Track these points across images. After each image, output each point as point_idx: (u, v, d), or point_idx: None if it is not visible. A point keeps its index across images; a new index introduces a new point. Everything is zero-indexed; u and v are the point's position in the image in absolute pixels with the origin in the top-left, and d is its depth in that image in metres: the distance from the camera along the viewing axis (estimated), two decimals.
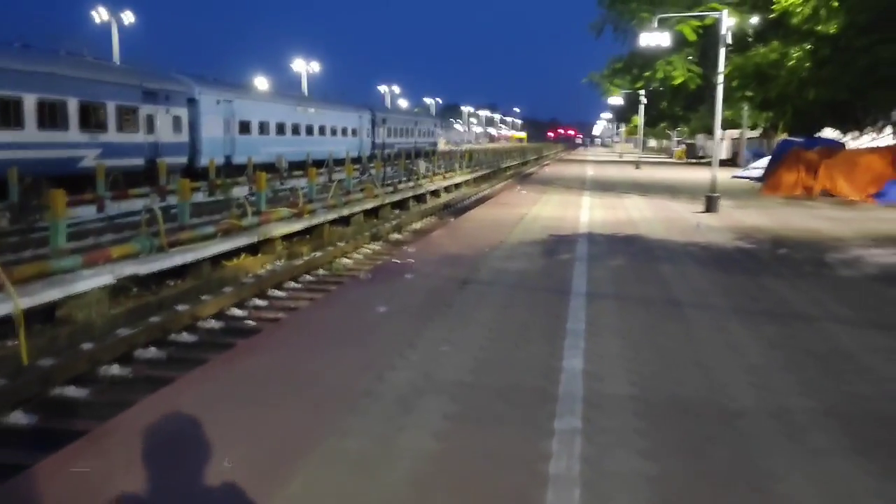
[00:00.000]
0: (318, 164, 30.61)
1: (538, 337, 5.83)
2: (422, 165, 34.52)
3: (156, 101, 23.81)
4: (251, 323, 9.59)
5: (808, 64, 12.22)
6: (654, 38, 16.43)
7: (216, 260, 12.69)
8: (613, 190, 23.10)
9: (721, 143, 54.45)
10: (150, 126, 23.51)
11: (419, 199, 27.89)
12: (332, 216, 17.27)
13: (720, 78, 15.24)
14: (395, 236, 17.82)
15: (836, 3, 10.41)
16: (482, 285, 7.97)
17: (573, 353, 5.40)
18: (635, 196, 20.62)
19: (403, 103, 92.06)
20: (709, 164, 49.83)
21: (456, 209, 26.13)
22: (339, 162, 34.14)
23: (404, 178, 29.00)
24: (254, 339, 6.13)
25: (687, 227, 13.50)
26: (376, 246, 16.19)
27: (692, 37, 19.92)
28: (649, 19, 17.74)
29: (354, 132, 43.51)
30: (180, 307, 9.99)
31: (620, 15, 21.32)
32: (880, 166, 20.88)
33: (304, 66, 55.31)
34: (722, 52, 15.16)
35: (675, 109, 52.21)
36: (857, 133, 25.12)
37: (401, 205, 24.57)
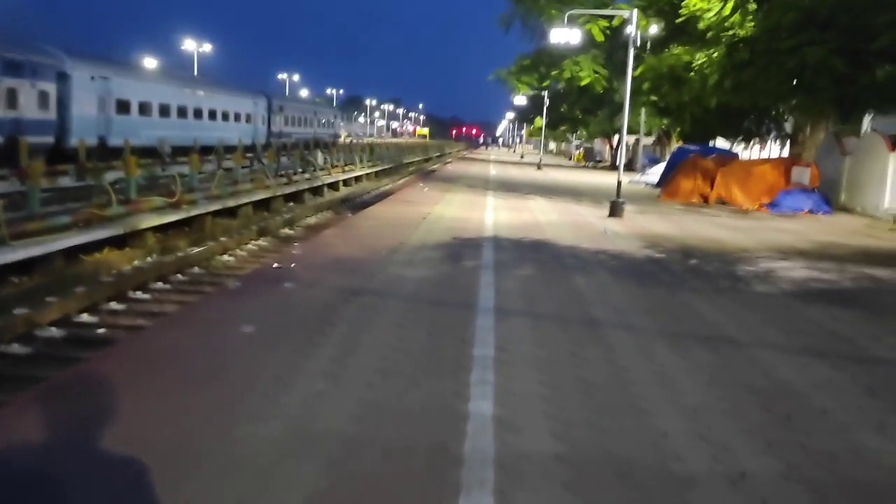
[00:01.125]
0: (208, 150, 28.57)
1: (439, 368, 4.83)
2: (319, 157, 33.06)
3: (19, 74, 21.27)
4: (102, 332, 8.16)
5: (723, 67, 11.88)
6: (563, 36, 15.85)
7: (74, 255, 11.05)
8: (517, 191, 22.53)
9: (618, 148, 55.86)
10: (12, 101, 20.97)
11: (316, 191, 26.48)
12: (214, 207, 15.72)
13: (629, 78, 14.78)
14: (287, 232, 16.48)
15: (753, 5, 9.96)
16: (375, 297, 6.91)
17: (482, 391, 4.44)
18: (539, 198, 20.08)
19: (305, 93, 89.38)
20: (606, 168, 51.03)
21: (355, 204, 25.06)
22: (231, 149, 32.14)
23: (300, 170, 27.63)
24: (68, 374, 4.79)
25: (594, 232, 12.91)
26: (264, 242, 14.82)
27: (600, 37, 19.58)
28: (558, 16, 17.17)
29: (248, 118, 41.31)
30: (18, 311, 8.41)
31: (529, 10, 20.75)
32: (773, 177, 21.28)
33: (196, 47, 52.25)
34: (631, 52, 14.71)
35: (575, 113, 52.90)
36: (748, 143, 25.67)
37: (295, 197, 23.21)
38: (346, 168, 35.46)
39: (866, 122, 28.84)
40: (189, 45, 52.65)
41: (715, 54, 12.35)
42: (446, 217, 14.10)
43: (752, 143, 26.38)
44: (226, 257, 12.83)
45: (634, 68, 15.79)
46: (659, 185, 26.71)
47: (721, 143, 32.15)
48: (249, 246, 14.19)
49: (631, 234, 12.87)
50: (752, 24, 10.10)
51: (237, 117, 39.52)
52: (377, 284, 7.55)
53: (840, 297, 8.07)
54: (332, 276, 7.82)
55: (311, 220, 19.59)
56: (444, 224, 12.90)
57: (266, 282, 7.47)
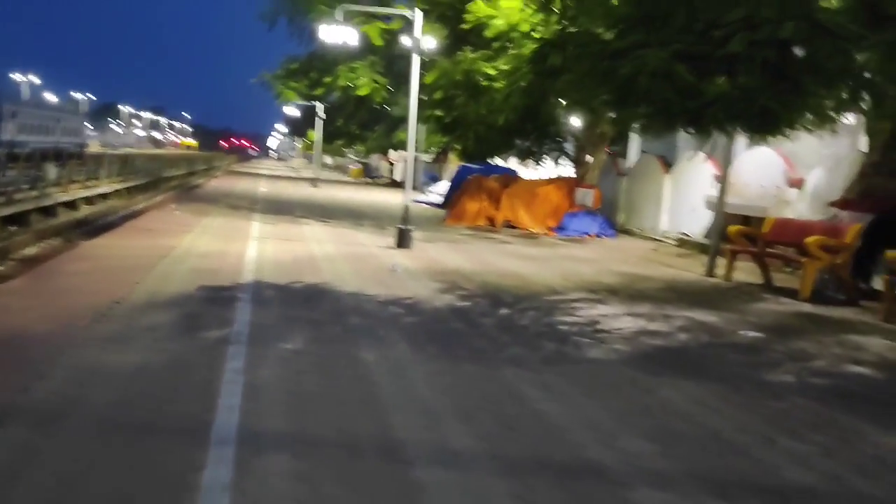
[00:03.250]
0: None
1: None
2: (52, 170, 27.89)
3: None
4: None
5: (527, 75, 10.33)
6: (335, 35, 13.61)
7: None
8: (289, 212, 19.82)
9: (395, 164, 54.90)
10: None
11: (48, 212, 22.45)
12: None
13: (414, 87, 12.88)
14: None
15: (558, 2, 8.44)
16: (33, 429, 4.07)
17: None
18: (315, 222, 17.59)
19: (52, 98, 78.49)
20: (385, 185, 49.63)
21: (94, 228, 21.10)
22: None
23: (25, 186, 23.13)
24: None
25: (381, 270, 10.74)
26: None
27: (378, 41, 17.67)
28: (329, 13, 14.91)
29: None
30: None
31: (296, 5, 18.24)
32: (557, 198, 20.73)
33: None
34: (415, 57, 12.83)
35: (351, 127, 51.06)
36: (531, 161, 25.25)
37: (20, 219, 19.14)
38: (89, 184, 30.46)
39: (634, 143, 30.01)
40: None
41: (516, 61, 10.82)
42: (196, 252, 11.15)
43: (535, 162, 26.01)
44: None
45: (423, 76, 14.04)
46: (443, 206, 25.45)
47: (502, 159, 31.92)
48: None
49: (424, 271, 10.88)
50: (560, 25, 8.57)
51: None
52: (52, 389, 4.68)
53: (686, 362, 6.59)
54: None
55: (33, 249, 15.65)
56: (190, 263, 9.99)
57: None
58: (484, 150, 24.08)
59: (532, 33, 12.54)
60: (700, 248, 16.89)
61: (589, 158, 20.40)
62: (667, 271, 12.97)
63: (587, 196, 20.26)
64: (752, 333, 7.86)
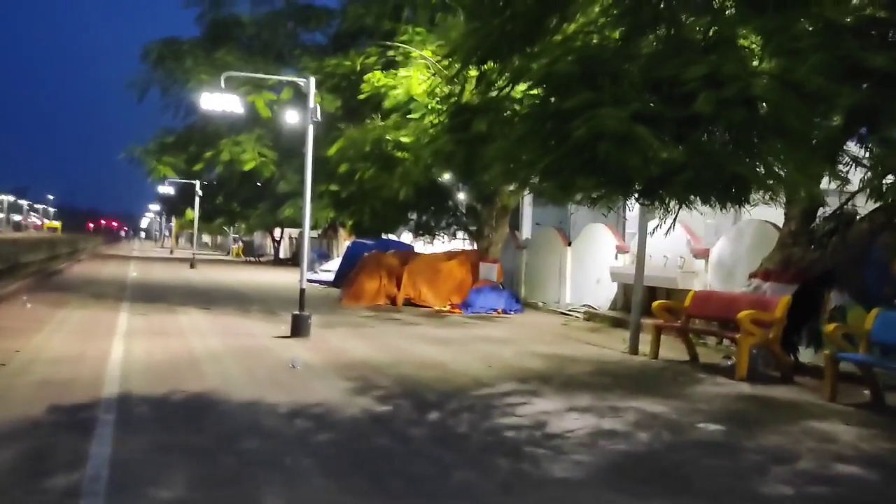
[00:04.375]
0: None
1: None
2: None
3: None
4: None
5: (446, 144, 9.35)
6: (219, 102, 12.26)
7: None
8: (164, 299, 17.75)
9: (280, 242, 52.88)
10: None
11: None
12: None
13: (308, 160, 11.67)
14: None
15: (473, 72, 7.52)
16: None
17: None
18: (194, 310, 15.68)
19: None
20: (269, 262, 47.38)
21: None
22: None
23: None
24: None
25: (278, 367, 9.19)
26: None
27: (266, 113, 16.39)
28: (209, 82, 13.57)
29: None
30: None
31: (171, 74, 16.71)
32: (461, 273, 19.81)
33: None
34: (310, 127, 11.66)
35: (231, 205, 48.83)
36: (429, 237, 24.35)
37: None
38: None
39: (527, 213, 29.85)
40: None
41: (422, 132, 9.83)
42: (47, 356, 9.17)
43: (430, 237, 25.14)
44: None
45: (327, 146, 12.89)
46: (335, 284, 23.95)
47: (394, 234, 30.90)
48: None
49: (329, 366, 9.42)
50: (478, 89, 7.67)
51: None
52: None
53: (664, 474, 5.51)
54: None
55: None
56: (37, 373, 8.07)
57: None
58: (380, 225, 23.02)
59: (434, 103, 11.74)
60: (610, 321, 16.32)
61: (489, 232, 19.68)
62: (588, 350, 12.11)
63: (491, 271, 19.45)
64: (712, 426, 6.93)
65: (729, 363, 10.50)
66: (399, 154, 12.37)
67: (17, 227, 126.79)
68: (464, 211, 22.26)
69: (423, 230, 24.26)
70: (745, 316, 9.50)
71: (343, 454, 5.63)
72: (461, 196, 20.22)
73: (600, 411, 7.41)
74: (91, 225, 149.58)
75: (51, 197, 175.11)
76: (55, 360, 8.96)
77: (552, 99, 6.11)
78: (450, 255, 21.24)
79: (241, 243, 63.79)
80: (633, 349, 11.76)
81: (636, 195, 6.35)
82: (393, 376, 8.94)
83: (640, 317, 12.08)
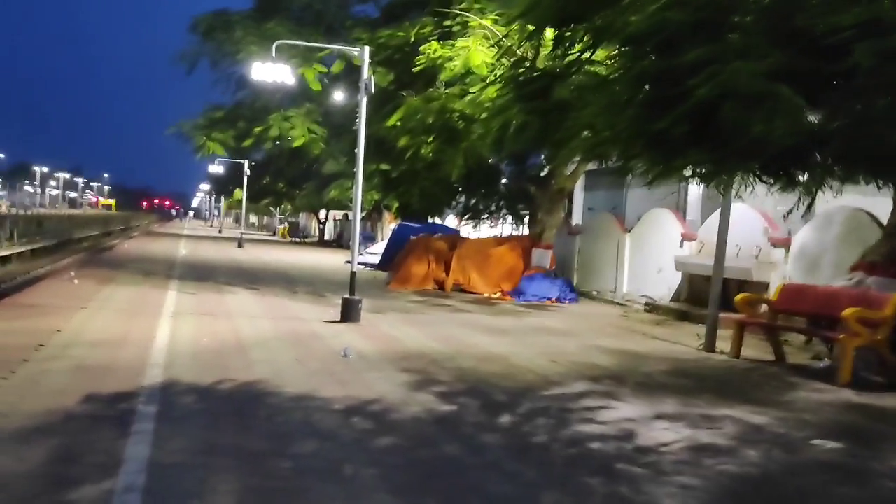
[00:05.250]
0: None
1: None
2: None
3: None
4: None
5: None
6: (270, 73, 11.59)
7: None
8: (212, 278, 17.34)
9: (325, 223, 52.60)
10: None
11: None
12: None
13: (361, 133, 10.94)
14: None
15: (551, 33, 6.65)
16: None
17: None
18: (242, 290, 15.19)
19: None
20: (314, 244, 47.13)
21: None
22: None
23: None
24: None
25: (329, 356, 8.53)
26: None
27: (316, 86, 15.70)
28: (260, 53, 12.91)
29: None
30: None
31: (221, 47, 16.11)
32: (512, 259, 18.96)
33: None
34: (363, 101, 10.91)
35: (278, 185, 48.68)
36: (476, 221, 23.55)
37: None
38: None
39: (579, 198, 28.80)
40: None
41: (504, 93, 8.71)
42: (87, 337, 8.66)
43: (477, 221, 24.33)
44: None
45: (378, 122, 12.15)
46: (381, 267, 23.32)
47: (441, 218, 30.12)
48: None
49: (383, 356, 8.73)
50: (555, 52, 6.78)
51: None
52: None
53: (783, 503, 4.67)
54: None
55: None
56: (76, 356, 7.53)
57: None
58: (428, 207, 22.28)
59: (500, 69, 10.86)
60: (674, 313, 15.32)
61: (543, 217, 18.75)
62: (658, 346, 11.20)
63: (545, 257, 18.57)
64: (829, 444, 6.01)
65: (822, 365, 9.53)
66: (464, 126, 11.50)
67: (73, 204, 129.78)
68: (514, 194, 21.38)
69: (471, 213, 23.49)
70: (851, 314, 8.48)
71: (409, 464, 4.90)
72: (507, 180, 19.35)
73: (692, 420, 6.55)
74: (145, 203, 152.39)
75: (106, 175, 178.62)
76: (96, 341, 8.43)
77: (652, 58, 5.22)
78: (500, 241, 20.42)
79: (286, 224, 63.86)
80: (710, 346, 10.81)
81: (758, 171, 5.42)
82: (452, 370, 8.20)
83: (717, 311, 11.11)
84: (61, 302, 11.54)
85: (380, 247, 27.67)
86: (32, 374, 6.56)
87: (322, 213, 51.46)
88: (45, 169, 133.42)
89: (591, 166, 18.55)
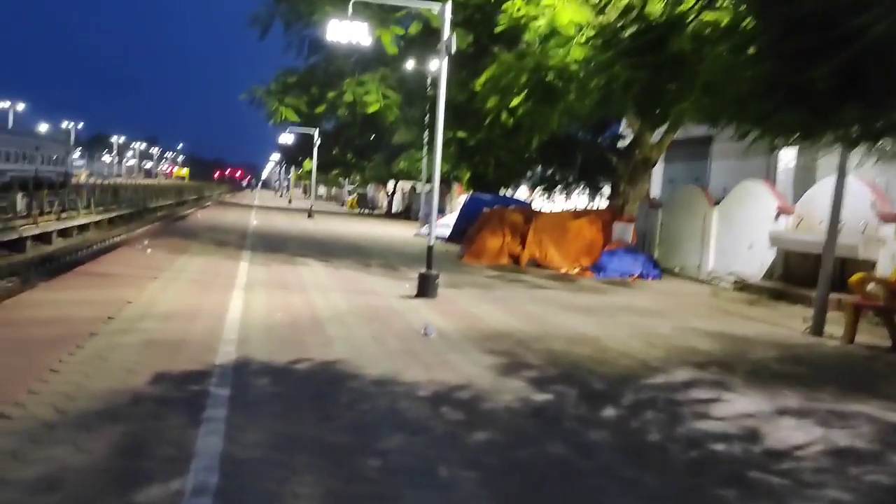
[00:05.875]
0: None
1: None
2: (19, 201, 25.60)
3: None
4: None
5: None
6: (347, 33, 11.04)
7: None
8: (284, 249, 17.09)
9: (394, 195, 52.35)
10: None
11: (13, 246, 21.25)
12: None
13: (441, 96, 10.27)
14: None
15: None
16: None
17: None
18: (314, 262, 14.85)
19: (44, 128, 75.41)
20: (382, 215, 46.97)
21: (59, 266, 18.98)
22: None
23: None
24: None
25: (409, 334, 8.00)
26: None
27: (392, 49, 15.07)
28: (335, 14, 12.34)
29: None
30: None
31: (295, 8, 15.64)
32: (591, 234, 18.05)
33: None
34: (445, 61, 10.22)
35: (346, 156, 48.56)
36: (551, 192, 22.67)
37: None
38: (63, 216, 27.94)
39: (658, 169, 27.48)
40: None
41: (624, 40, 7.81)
42: (159, 309, 8.36)
43: (550, 193, 23.45)
44: None
45: (456, 87, 11.43)
46: (452, 239, 22.75)
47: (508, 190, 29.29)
48: None
49: (465, 335, 8.14)
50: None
51: None
52: None
53: None
54: None
55: None
56: (146, 330, 7.20)
57: None
58: (502, 177, 21.54)
59: (580, 36, 10.02)
60: (768, 292, 14.26)
61: (626, 189, 17.76)
62: (759, 328, 10.27)
63: (627, 231, 17.64)
64: None
65: None
66: (562, 84, 10.71)
67: (148, 174, 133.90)
68: (593, 165, 20.37)
69: (547, 184, 22.63)
70: None
71: (510, 466, 4.29)
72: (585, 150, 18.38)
73: (821, 418, 5.74)
74: (217, 174, 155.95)
75: (180, 145, 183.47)
76: (167, 314, 8.12)
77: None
78: (578, 214, 19.52)
79: (355, 195, 64.01)
80: (818, 330, 9.85)
81: None
82: (541, 352, 7.56)
83: (828, 292, 10.09)
84: (133, 272, 11.37)
85: (450, 218, 27.10)
86: (100, 350, 6.23)
87: (390, 185, 51.20)
88: (122, 139, 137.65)
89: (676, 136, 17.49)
